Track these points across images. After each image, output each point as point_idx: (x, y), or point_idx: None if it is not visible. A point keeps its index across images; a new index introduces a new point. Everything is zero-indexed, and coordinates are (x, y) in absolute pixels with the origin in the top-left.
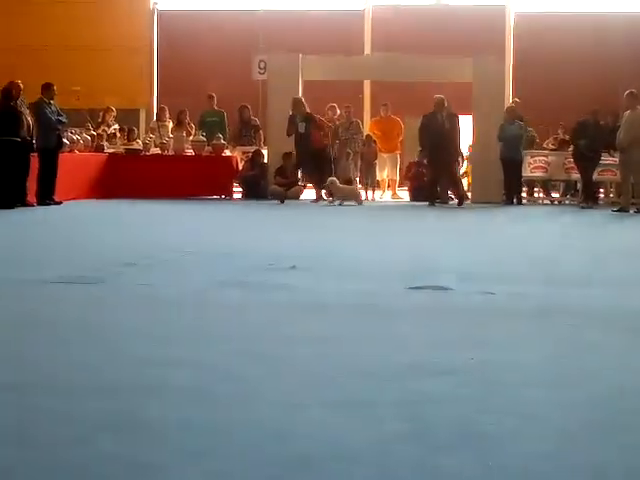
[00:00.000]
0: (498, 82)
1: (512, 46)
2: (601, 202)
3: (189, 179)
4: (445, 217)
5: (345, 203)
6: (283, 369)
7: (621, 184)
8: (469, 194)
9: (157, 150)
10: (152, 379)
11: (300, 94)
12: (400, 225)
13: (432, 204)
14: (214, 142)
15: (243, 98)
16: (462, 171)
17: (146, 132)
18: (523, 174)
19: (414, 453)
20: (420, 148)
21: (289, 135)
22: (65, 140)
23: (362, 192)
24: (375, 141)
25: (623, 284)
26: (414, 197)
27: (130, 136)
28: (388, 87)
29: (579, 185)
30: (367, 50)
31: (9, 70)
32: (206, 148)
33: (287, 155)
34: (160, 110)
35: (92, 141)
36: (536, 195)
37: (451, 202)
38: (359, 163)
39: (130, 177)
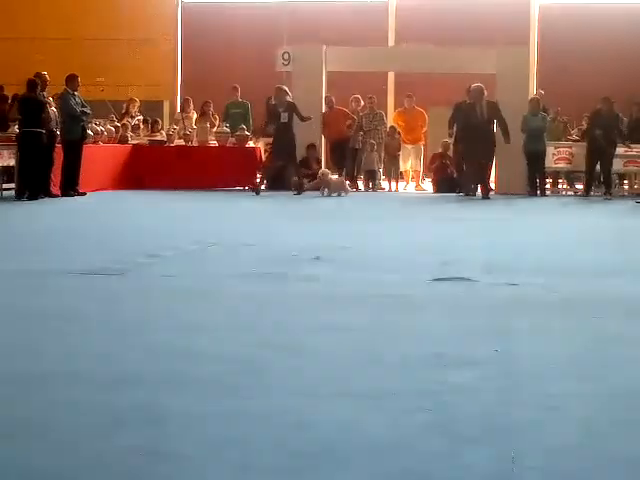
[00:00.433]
0: (522, 73)
1: (536, 37)
2: (626, 193)
3: (213, 170)
4: (469, 209)
5: (333, 194)
6: (306, 360)
7: None
8: (493, 185)
9: (181, 141)
10: (175, 370)
11: (324, 86)
12: (424, 216)
13: (468, 194)
14: (238, 133)
15: (267, 90)
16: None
17: (170, 123)
18: (547, 165)
19: (438, 444)
20: (450, 131)
21: (266, 125)
22: (89, 131)
23: (361, 184)
24: (399, 132)
25: None
26: (438, 189)
27: (154, 127)
28: (412, 78)
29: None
30: (391, 41)
31: (34, 62)
32: (230, 139)
33: (311, 147)
34: (184, 101)
35: (116, 132)
36: (560, 186)
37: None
38: (382, 154)
39: (154, 168)
